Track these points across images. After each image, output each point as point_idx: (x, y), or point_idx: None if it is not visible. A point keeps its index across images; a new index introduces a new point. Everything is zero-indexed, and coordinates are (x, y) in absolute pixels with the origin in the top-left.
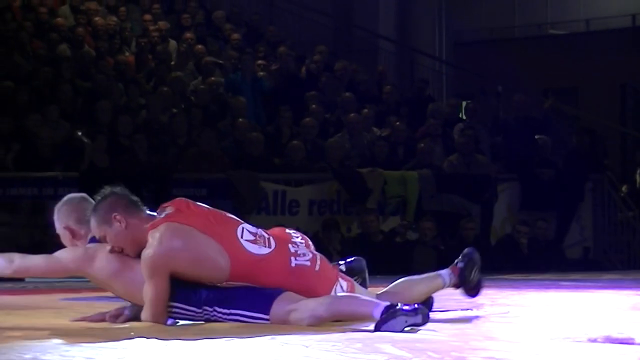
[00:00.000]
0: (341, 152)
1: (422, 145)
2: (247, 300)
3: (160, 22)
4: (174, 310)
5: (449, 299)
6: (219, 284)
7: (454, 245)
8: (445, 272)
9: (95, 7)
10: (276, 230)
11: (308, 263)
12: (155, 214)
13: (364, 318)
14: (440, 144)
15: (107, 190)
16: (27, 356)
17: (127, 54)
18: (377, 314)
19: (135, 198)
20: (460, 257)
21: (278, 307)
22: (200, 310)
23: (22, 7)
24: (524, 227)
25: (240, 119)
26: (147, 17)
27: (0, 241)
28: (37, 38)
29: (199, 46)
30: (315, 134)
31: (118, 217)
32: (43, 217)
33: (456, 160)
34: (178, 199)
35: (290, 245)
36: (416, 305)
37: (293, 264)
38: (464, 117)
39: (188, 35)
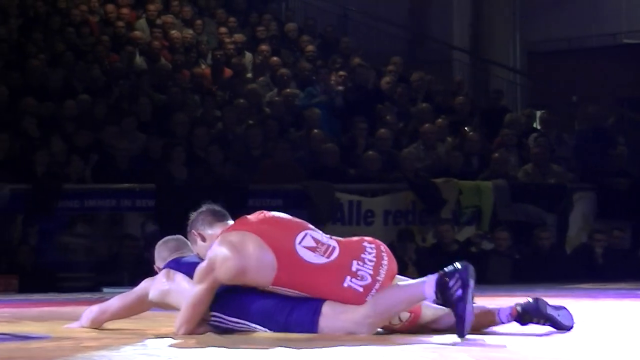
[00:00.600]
0: (416, 162)
1: (497, 155)
2: (288, 315)
3: (236, 34)
4: (213, 319)
5: None
6: (263, 289)
7: (529, 255)
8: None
9: (171, 21)
10: (353, 241)
11: (361, 289)
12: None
13: (417, 300)
14: (515, 153)
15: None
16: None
17: (203, 66)
18: (430, 290)
19: (218, 210)
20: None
21: (326, 321)
22: (240, 321)
23: (99, 21)
24: (599, 235)
25: (315, 130)
26: (223, 30)
27: (79, 252)
28: (114, 52)
29: (274, 58)
30: (390, 145)
31: (195, 232)
32: (120, 229)
33: (531, 170)
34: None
35: (354, 262)
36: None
37: (345, 284)
38: (539, 127)
39: (263, 47)
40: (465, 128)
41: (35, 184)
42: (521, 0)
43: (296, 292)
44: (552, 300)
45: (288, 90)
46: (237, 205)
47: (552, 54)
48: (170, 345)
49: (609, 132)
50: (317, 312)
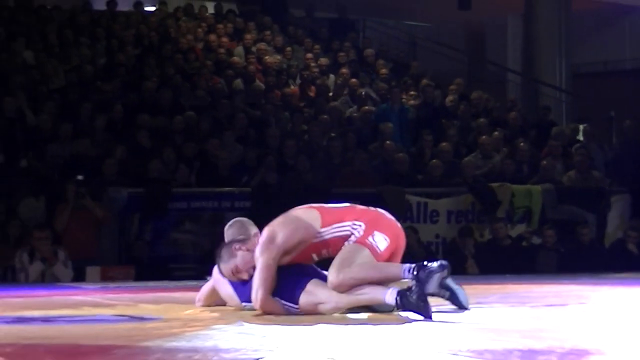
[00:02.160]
0: (475, 169)
1: (545, 162)
2: (282, 289)
3: (321, 59)
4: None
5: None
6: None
7: (573, 249)
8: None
9: (264, 48)
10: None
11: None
12: None
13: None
14: (560, 161)
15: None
16: (208, 343)
17: (292, 87)
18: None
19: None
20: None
21: (305, 298)
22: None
23: (203, 48)
24: (633, 232)
25: (388, 142)
26: (309, 55)
27: (187, 246)
28: (216, 75)
29: (353, 80)
30: (452, 155)
31: (237, 246)
32: (221, 226)
33: (574, 175)
34: None
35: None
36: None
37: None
38: (581, 139)
39: (343, 70)
40: (520, 141)
41: (149, 188)
42: (566, 29)
43: (343, 227)
44: (593, 288)
45: (365, 107)
46: None
47: (592, 75)
48: (263, 324)
49: None
50: (299, 290)
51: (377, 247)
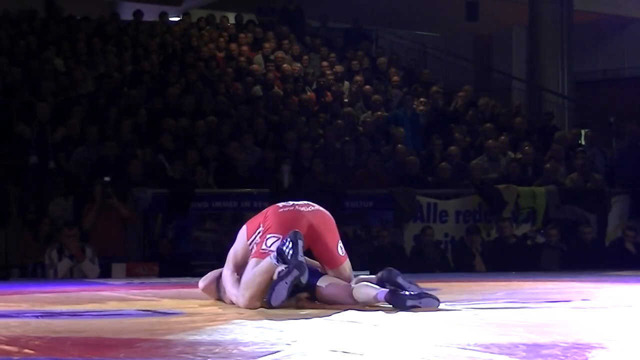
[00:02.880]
0: (482, 171)
1: (549, 165)
2: None
3: (337, 66)
4: None
5: (562, 291)
6: None
7: (575, 247)
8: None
9: (282, 56)
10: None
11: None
12: None
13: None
14: (563, 164)
15: None
16: (228, 337)
17: (308, 93)
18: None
19: None
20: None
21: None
22: None
23: (225, 57)
24: (630, 232)
25: (400, 145)
26: (325, 63)
27: (208, 244)
28: (236, 81)
29: (367, 87)
30: (460, 158)
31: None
32: (241, 225)
33: (576, 178)
34: None
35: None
36: None
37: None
38: (583, 143)
39: (357, 78)
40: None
41: (172, 189)
42: (568, 39)
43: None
44: (594, 284)
45: (378, 113)
46: (335, 207)
47: (593, 82)
48: (282, 320)
49: None
50: None
51: (270, 249)
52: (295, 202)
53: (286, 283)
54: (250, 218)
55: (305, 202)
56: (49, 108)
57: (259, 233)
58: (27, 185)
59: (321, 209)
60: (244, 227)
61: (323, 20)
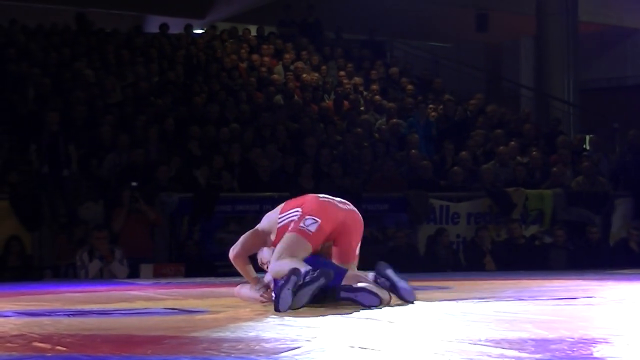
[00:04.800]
0: (492, 175)
1: (555, 169)
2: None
3: (354, 76)
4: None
5: (569, 289)
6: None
7: (581, 247)
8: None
9: (302, 66)
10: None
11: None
12: None
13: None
14: (569, 168)
15: None
16: (251, 334)
17: (327, 101)
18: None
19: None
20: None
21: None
22: None
23: (247, 67)
24: (635, 231)
25: (413, 151)
26: (342, 73)
27: (232, 245)
28: (258, 91)
29: (381, 95)
30: (471, 163)
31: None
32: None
33: (582, 181)
34: None
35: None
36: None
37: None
38: (588, 148)
39: (374, 86)
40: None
41: (197, 193)
42: (574, 49)
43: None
44: (599, 283)
45: (394, 120)
46: None
47: (598, 90)
48: (302, 317)
49: None
50: None
51: (308, 229)
52: (333, 197)
53: (288, 289)
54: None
55: (341, 199)
56: (59, 117)
57: (294, 213)
58: (52, 190)
59: (355, 209)
60: (279, 207)
61: (340, 32)
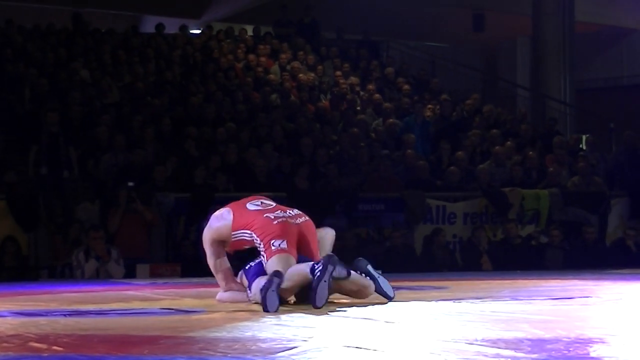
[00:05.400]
0: (489, 175)
1: (552, 169)
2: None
3: (350, 76)
4: None
5: (565, 289)
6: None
7: (577, 247)
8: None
9: (298, 66)
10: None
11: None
12: None
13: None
14: (566, 168)
15: None
16: (247, 334)
17: (323, 101)
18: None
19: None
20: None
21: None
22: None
23: (243, 67)
24: (631, 231)
25: (409, 151)
26: (338, 73)
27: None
28: (255, 91)
29: (378, 95)
30: (467, 162)
31: None
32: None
33: (578, 181)
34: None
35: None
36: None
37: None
38: (584, 148)
39: (370, 86)
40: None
41: (194, 193)
42: (570, 49)
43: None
44: (595, 282)
45: (390, 120)
46: (348, 209)
47: (594, 90)
48: (299, 317)
49: (639, 151)
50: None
51: (281, 247)
52: (284, 215)
53: (325, 281)
54: (237, 205)
55: (291, 211)
56: (58, 118)
57: (245, 234)
58: (50, 191)
59: (307, 218)
60: (231, 215)
61: (337, 32)
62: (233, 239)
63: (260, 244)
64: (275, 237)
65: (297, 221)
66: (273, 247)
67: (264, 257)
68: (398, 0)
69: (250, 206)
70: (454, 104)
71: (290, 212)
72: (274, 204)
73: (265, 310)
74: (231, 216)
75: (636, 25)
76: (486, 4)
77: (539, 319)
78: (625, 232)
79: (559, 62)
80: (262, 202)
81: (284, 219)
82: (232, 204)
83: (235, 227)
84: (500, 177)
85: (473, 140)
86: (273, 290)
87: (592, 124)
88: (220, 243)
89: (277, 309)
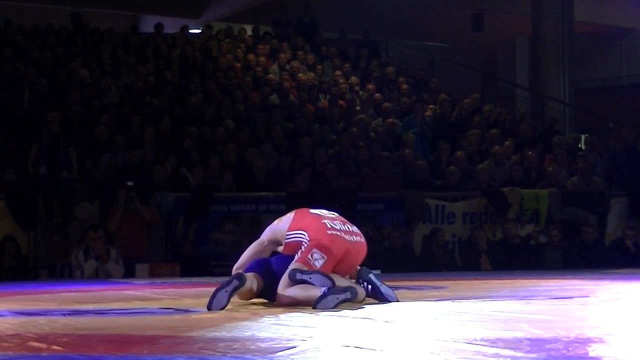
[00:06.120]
0: (488, 175)
1: (551, 169)
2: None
3: (351, 76)
4: None
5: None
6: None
7: (576, 247)
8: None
9: (297, 66)
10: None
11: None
12: None
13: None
14: (565, 168)
15: None
16: (246, 333)
17: (322, 101)
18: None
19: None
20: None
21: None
22: None
23: (242, 67)
24: (630, 231)
25: (408, 150)
26: (338, 72)
27: (228, 245)
28: (254, 90)
29: (378, 95)
30: (467, 162)
31: None
32: (258, 227)
33: (577, 181)
34: None
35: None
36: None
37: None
38: (583, 147)
39: (369, 86)
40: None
41: (193, 193)
42: (569, 49)
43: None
44: (594, 282)
45: (390, 120)
46: (348, 209)
47: (593, 90)
48: (298, 316)
49: (638, 151)
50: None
51: (314, 264)
52: (341, 227)
53: (337, 298)
54: (301, 210)
55: (348, 225)
56: (59, 118)
57: (300, 236)
58: (50, 191)
59: (362, 239)
60: (284, 219)
61: (337, 31)
62: (288, 240)
63: (305, 245)
64: (319, 249)
65: (351, 238)
66: (308, 258)
67: (298, 254)
68: (398, 0)
69: (313, 210)
70: (454, 103)
71: (349, 227)
72: (336, 215)
73: (209, 308)
74: (291, 217)
75: (635, 24)
76: (485, 4)
77: (538, 318)
78: (624, 232)
79: (558, 62)
80: (326, 210)
81: (338, 232)
82: (298, 209)
83: (292, 227)
84: (500, 176)
85: (472, 140)
86: (226, 291)
87: (591, 123)
88: (273, 243)
89: (222, 309)
